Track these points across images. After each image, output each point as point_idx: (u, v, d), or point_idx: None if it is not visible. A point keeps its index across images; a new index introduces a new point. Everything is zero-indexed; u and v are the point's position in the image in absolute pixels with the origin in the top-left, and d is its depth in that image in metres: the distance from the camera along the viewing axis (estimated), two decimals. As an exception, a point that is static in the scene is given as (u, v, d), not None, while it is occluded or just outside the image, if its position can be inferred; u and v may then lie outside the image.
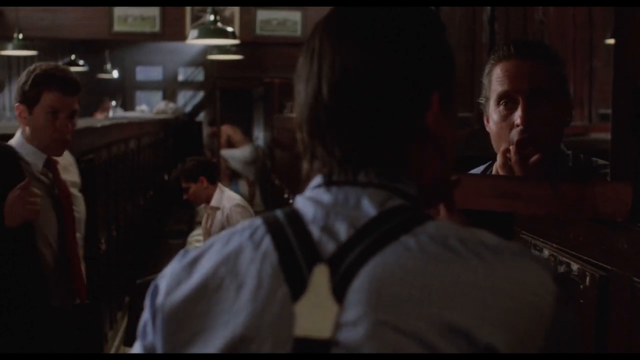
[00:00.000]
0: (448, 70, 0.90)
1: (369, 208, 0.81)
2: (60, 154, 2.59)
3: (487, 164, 1.81)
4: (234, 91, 12.29)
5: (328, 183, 0.85)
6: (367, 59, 0.83)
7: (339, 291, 0.76)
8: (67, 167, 2.76)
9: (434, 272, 0.75)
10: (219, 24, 5.44)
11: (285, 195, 7.13)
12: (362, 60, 0.83)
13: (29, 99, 2.48)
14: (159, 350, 0.84)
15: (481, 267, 0.76)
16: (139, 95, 13.44)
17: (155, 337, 0.85)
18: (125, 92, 12.97)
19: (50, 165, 2.57)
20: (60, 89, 2.48)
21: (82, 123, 5.04)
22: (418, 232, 0.78)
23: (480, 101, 1.72)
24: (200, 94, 13.21)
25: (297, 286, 0.77)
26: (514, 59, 1.64)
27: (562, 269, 1.33)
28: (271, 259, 0.80)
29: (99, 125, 4.86)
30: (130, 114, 10.61)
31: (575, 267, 1.30)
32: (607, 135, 1.27)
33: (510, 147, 1.60)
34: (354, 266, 0.76)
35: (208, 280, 0.82)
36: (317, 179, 0.86)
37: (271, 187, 9.53)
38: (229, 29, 5.52)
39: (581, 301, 1.27)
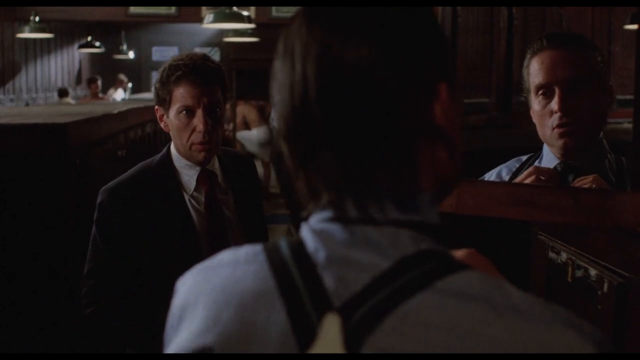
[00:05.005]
0: (449, 60, 0.79)
1: (390, 252, 0.71)
2: (203, 161, 2.12)
3: (529, 155, 1.83)
4: (250, 72, 12.25)
5: (339, 218, 0.74)
6: (366, 52, 0.71)
7: (353, 345, 0.68)
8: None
9: (455, 336, 0.67)
10: (235, 8, 5.41)
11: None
12: (361, 54, 0.71)
13: (162, 100, 2.15)
14: None
15: (507, 331, 0.67)
16: (155, 75, 13.43)
17: None
18: (141, 73, 13.00)
19: (201, 182, 2.16)
20: (188, 81, 2.08)
21: (99, 109, 5.06)
22: (443, 286, 0.69)
23: (523, 95, 1.79)
24: (217, 75, 13.18)
25: (306, 336, 0.70)
26: (547, 50, 1.72)
27: (579, 273, 1.32)
28: (279, 306, 0.73)
29: (115, 111, 4.86)
30: (145, 95, 10.63)
31: (593, 272, 1.29)
32: (625, 122, 1.26)
33: (552, 132, 1.69)
34: (370, 318, 0.68)
35: (209, 326, 0.76)
36: (326, 212, 0.76)
37: (287, 168, 9.50)
38: (245, 12, 5.47)
39: (599, 307, 1.26)
